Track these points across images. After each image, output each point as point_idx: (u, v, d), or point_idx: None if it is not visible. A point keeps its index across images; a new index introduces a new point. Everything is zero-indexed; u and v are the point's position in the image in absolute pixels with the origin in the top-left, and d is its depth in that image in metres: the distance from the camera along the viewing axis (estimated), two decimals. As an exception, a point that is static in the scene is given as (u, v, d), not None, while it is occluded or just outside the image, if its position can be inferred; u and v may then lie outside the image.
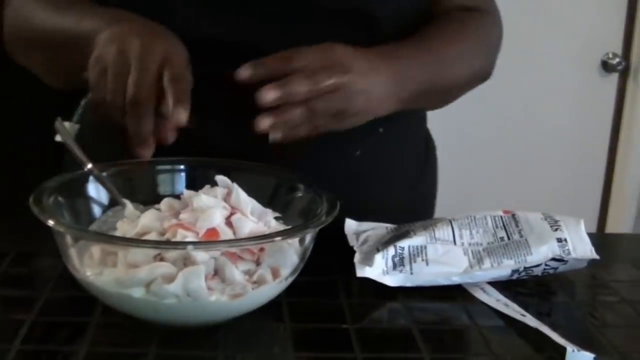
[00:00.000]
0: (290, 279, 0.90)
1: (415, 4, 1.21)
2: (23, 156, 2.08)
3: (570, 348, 0.85)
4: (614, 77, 2.50)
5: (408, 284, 0.99)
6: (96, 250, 0.88)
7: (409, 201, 1.29)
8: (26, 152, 2.08)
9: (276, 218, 0.96)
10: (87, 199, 0.97)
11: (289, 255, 0.89)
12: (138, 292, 0.83)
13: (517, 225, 1.06)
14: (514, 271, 1.01)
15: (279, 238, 0.86)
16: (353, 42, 1.06)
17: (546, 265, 1.02)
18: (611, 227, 2.53)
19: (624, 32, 2.48)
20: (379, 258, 1.00)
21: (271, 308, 0.90)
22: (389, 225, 1.09)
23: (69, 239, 0.87)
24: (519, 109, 2.46)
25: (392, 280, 0.99)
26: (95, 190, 0.97)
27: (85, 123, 1.05)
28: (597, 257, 1.04)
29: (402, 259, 1.00)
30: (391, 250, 1.01)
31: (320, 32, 1.10)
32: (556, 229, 1.04)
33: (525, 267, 1.01)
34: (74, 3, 1.11)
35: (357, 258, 1.02)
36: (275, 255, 0.88)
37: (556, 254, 1.02)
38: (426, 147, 1.37)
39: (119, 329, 0.88)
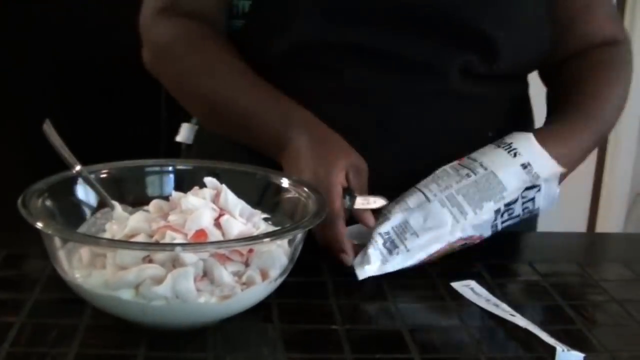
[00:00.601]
0: (280, 280, 0.90)
1: (534, 29, 1.19)
2: (10, 157, 2.07)
3: (560, 348, 0.85)
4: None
5: (409, 263, 1.00)
6: (85, 252, 0.88)
7: None
8: (14, 154, 2.08)
9: (265, 219, 0.95)
10: (76, 201, 0.97)
11: (278, 256, 0.89)
12: (127, 294, 0.83)
13: (475, 160, 1.07)
14: (496, 212, 1.03)
15: (267, 239, 0.86)
16: (467, 59, 1.12)
17: (522, 197, 1.04)
18: (601, 227, 2.53)
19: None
20: (371, 251, 1.01)
21: (260, 309, 0.90)
22: None
23: (57, 241, 0.87)
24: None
25: (392, 265, 1.00)
26: (84, 192, 0.97)
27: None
28: (563, 169, 1.07)
29: (392, 241, 1.01)
30: (379, 239, 1.01)
31: (435, 42, 1.13)
32: (514, 154, 1.06)
33: (505, 205, 1.03)
34: (234, 70, 1.15)
35: (355, 261, 1.02)
36: (264, 256, 0.88)
37: (526, 182, 1.04)
38: None
39: (108, 331, 0.88)
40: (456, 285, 1.01)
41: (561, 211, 1.10)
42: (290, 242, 0.90)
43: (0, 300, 0.94)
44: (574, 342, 0.88)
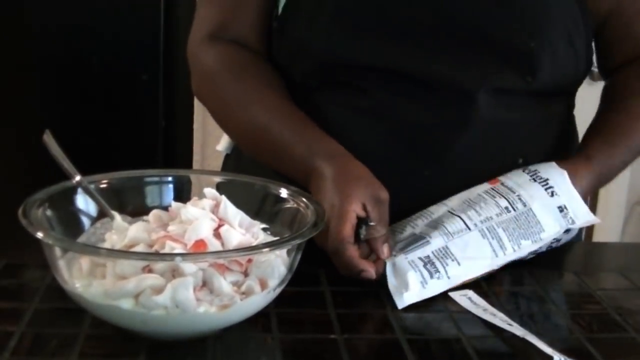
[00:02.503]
0: (278, 290, 0.90)
1: (567, 41, 1.17)
2: (11, 166, 2.08)
3: (557, 357, 0.86)
4: (601, 86, 2.50)
5: (446, 288, 1.01)
6: (85, 261, 0.89)
7: None
8: (14, 162, 2.08)
9: (264, 229, 0.96)
10: (76, 211, 0.97)
11: (277, 266, 0.89)
12: (127, 304, 0.83)
13: (513, 192, 1.08)
14: (531, 252, 1.05)
15: (266, 249, 0.86)
16: (500, 75, 1.13)
17: (554, 239, 1.06)
18: (598, 236, 2.54)
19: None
20: (411, 274, 1.00)
21: (259, 319, 0.91)
22: None
23: (57, 251, 0.87)
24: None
25: (432, 290, 1.00)
26: (84, 202, 0.97)
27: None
28: (597, 220, 1.09)
29: (433, 264, 1.01)
30: (419, 262, 1.01)
31: (463, 60, 1.12)
32: (551, 192, 1.07)
33: (540, 246, 1.05)
34: (271, 101, 1.17)
35: (391, 287, 1.01)
36: (263, 266, 0.88)
37: (563, 227, 1.06)
38: None
39: (108, 340, 0.88)
40: (454, 294, 1.01)
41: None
42: (289, 252, 0.90)
43: (0, 309, 0.94)
44: (571, 352, 0.88)
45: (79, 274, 0.88)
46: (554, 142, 1.23)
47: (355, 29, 1.13)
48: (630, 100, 1.23)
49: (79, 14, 2.11)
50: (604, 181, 1.19)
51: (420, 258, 1.01)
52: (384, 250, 1.02)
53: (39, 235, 0.83)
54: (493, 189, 1.08)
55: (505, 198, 1.07)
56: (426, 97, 1.13)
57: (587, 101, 2.52)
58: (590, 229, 2.57)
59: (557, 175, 1.10)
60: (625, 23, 1.23)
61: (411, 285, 0.99)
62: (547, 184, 1.08)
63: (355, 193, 1.02)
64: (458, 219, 1.05)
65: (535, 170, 1.11)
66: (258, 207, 0.99)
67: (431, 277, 1.00)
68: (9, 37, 2.11)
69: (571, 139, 1.31)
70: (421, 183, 1.15)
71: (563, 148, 1.25)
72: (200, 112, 2.32)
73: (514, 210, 1.05)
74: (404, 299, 0.99)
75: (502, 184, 1.09)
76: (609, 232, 2.55)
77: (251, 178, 1.02)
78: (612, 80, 1.28)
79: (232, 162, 1.34)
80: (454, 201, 1.10)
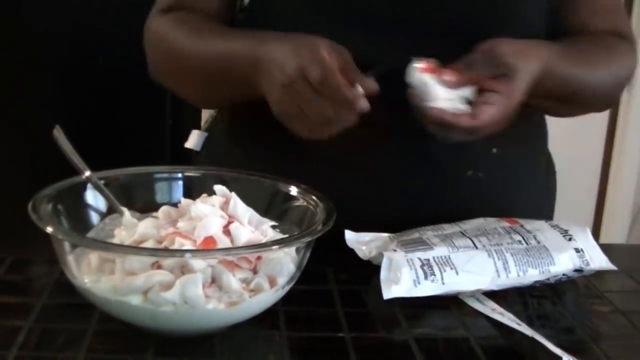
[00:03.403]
0: (287, 288, 0.90)
1: (534, 30, 1.16)
2: (19, 162, 2.08)
3: (566, 358, 0.86)
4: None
5: (438, 293, 0.99)
6: (94, 257, 0.89)
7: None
8: (22, 158, 2.08)
9: (273, 227, 0.96)
10: (85, 207, 0.98)
11: (286, 263, 0.89)
12: (135, 300, 0.84)
13: (529, 232, 1.07)
14: (536, 281, 1.03)
15: (275, 247, 0.86)
16: None
17: (563, 274, 1.05)
18: (605, 238, 2.53)
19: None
20: (405, 271, 0.99)
21: (267, 316, 0.91)
22: (390, 235, 1.09)
23: (66, 246, 0.87)
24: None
25: (422, 290, 0.99)
26: (93, 198, 0.98)
27: (215, 132, 1.24)
28: (614, 267, 1.08)
29: (430, 267, 1.00)
30: (417, 261, 1.00)
31: (443, 53, 1.08)
32: (569, 239, 1.07)
33: (547, 278, 1.04)
34: (214, 29, 1.15)
35: (382, 277, 1.00)
36: (272, 263, 0.89)
37: (577, 265, 1.05)
38: (546, 171, 1.36)
39: (116, 336, 0.88)
40: (462, 294, 1.01)
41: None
42: (298, 250, 0.90)
43: (8, 304, 0.94)
44: (578, 353, 0.88)
45: (88, 269, 0.89)
46: (525, 130, 1.22)
47: (332, 22, 1.11)
48: (600, 37, 1.22)
49: (87, 16, 2.11)
50: (553, 85, 1.12)
51: (419, 258, 1.01)
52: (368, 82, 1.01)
53: (49, 230, 0.84)
54: (511, 227, 1.08)
55: (520, 234, 1.07)
56: (404, 90, 1.10)
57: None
58: (596, 231, 2.57)
59: (577, 228, 1.10)
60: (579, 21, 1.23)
61: (403, 281, 0.98)
62: (567, 233, 1.08)
63: (321, 41, 1.00)
64: (468, 239, 1.05)
65: (557, 224, 1.11)
66: (267, 204, 0.99)
67: (425, 278, 0.99)
68: (19, 38, 2.11)
69: (542, 127, 1.32)
70: (399, 177, 1.14)
71: (534, 136, 1.27)
72: (207, 110, 2.32)
73: (527, 244, 1.05)
74: (392, 291, 0.98)
75: (521, 225, 1.09)
76: (615, 233, 2.54)
77: (261, 175, 1.02)
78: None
79: (202, 159, 1.32)
80: (468, 225, 1.10)
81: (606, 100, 1.26)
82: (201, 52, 1.13)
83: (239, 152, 1.20)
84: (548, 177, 1.36)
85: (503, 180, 1.21)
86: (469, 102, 1.03)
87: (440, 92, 1.02)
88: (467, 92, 1.03)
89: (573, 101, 1.19)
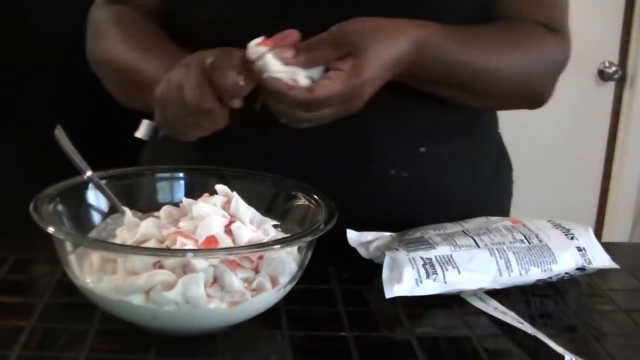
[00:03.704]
0: (289, 287, 0.90)
1: (467, 18, 1.11)
2: (20, 162, 2.08)
3: (568, 357, 0.85)
4: (611, 86, 2.50)
5: (440, 292, 0.99)
6: (96, 257, 0.89)
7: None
8: (23, 158, 2.08)
9: (275, 226, 0.96)
10: (87, 206, 0.98)
11: (288, 263, 0.89)
12: (137, 299, 0.84)
13: (531, 231, 1.07)
14: (538, 280, 1.03)
15: (277, 246, 0.86)
16: None
17: (565, 273, 1.05)
18: (607, 236, 2.53)
19: (620, 40, 2.48)
20: (407, 270, 0.99)
21: (269, 316, 0.90)
22: (392, 234, 1.09)
23: (68, 246, 0.87)
24: (514, 117, 2.46)
25: (425, 289, 0.98)
26: (95, 198, 0.98)
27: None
28: (616, 266, 1.07)
29: (433, 266, 1.00)
30: (419, 260, 1.00)
31: None
32: (572, 238, 1.07)
33: (549, 276, 1.04)
34: (142, 33, 1.14)
35: (385, 276, 1.00)
36: (274, 263, 0.89)
37: (579, 264, 1.04)
38: (496, 168, 1.32)
39: (118, 336, 0.88)
40: (465, 293, 1.01)
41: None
42: (299, 249, 0.90)
43: (10, 304, 0.94)
44: (581, 352, 0.88)
45: (90, 269, 0.89)
46: (457, 128, 1.19)
47: (250, 10, 1.09)
48: (521, 25, 1.16)
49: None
50: (441, 69, 1.06)
51: (421, 257, 1.01)
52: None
53: (50, 230, 0.84)
54: (513, 226, 1.08)
55: (522, 233, 1.07)
56: None
57: (592, 101, 2.53)
58: (599, 230, 2.57)
59: (580, 228, 1.10)
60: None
61: (405, 280, 0.98)
62: (569, 232, 1.08)
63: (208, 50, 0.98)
64: (470, 238, 1.05)
65: (559, 223, 1.11)
66: (269, 204, 0.99)
67: (427, 277, 0.99)
68: (20, 37, 2.11)
69: (480, 124, 1.27)
70: (337, 168, 1.12)
71: (470, 133, 1.23)
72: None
73: (528, 242, 1.05)
74: (394, 290, 0.98)
75: (524, 225, 1.09)
76: (618, 232, 2.54)
77: (263, 174, 1.02)
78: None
79: (149, 153, 1.30)
80: (470, 224, 1.10)
81: (521, 92, 1.18)
82: (123, 60, 1.12)
83: (188, 147, 1.08)
84: (499, 172, 1.32)
85: (432, 179, 1.18)
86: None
87: (278, 67, 0.97)
88: (315, 72, 0.98)
89: (474, 89, 1.11)
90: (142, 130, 1.26)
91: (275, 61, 0.96)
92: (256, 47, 0.96)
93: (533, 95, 1.18)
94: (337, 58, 0.97)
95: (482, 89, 1.12)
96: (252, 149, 1.13)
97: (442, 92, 1.11)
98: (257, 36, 0.97)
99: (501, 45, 1.11)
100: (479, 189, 1.26)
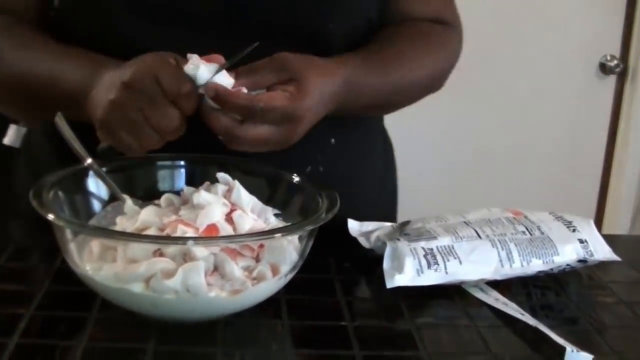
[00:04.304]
0: (290, 276, 0.90)
1: (366, 17, 1.15)
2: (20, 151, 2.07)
3: (569, 348, 0.85)
4: (612, 79, 2.50)
5: (441, 282, 0.99)
6: (95, 245, 0.89)
7: (374, 206, 1.26)
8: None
9: (276, 215, 0.96)
10: (87, 194, 0.97)
11: (289, 252, 0.89)
12: (137, 288, 0.83)
13: (533, 223, 1.07)
14: (540, 271, 1.03)
15: (278, 235, 0.86)
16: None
17: (567, 265, 1.04)
18: (608, 229, 2.53)
19: (622, 34, 2.48)
20: (409, 260, 0.99)
21: (270, 305, 0.90)
22: (393, 224, 1.09)
23: (68, 234, 0.87)
24: (516, 111, 2.46)
25: (426, 279, 0.98)
26: (95, 186, 0.97)
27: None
28: (618, 258, 1.07)
29: (434, 257, 1.00)
30: (420, 250, 1.00)
31: (270, 48, 1.01)
32: (573, 230, 1.07)
33: (551, 268, 1.04)
34: (40, 43, 1.09)
35: (385, 266, 1.00)
36: (275, 252, 0.88)
37: (580, 256, 1.04)
38: (384, 150, 1.34)
39: (118, 324, 0.88)
40: (466, 283, 1.01)
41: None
42: (300, 239, 0.90)
43: (10, 292, 0.94)
44: (581, 344, 0.87)
45: (90, 257, 0.88)
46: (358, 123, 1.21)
47: (151, 19, 1.06)
48: (418, 28, 1.20)
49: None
50: (369, 100, 1.10)
51: (423, 248, 1.01)
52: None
53: (50, 217, 0.83)
54: (515, 218, 1.08)
55: (524, 225, 1.07)
56: None
57: (593, 95, 2.53)
58: (599, 222, 2.57)
59: (581, 220, 1.10)
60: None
61: (406, 270, 0.98)
62: (570, 224, 1.08)
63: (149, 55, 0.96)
64: (472, 229, 1.05)
65: (561, 216, 1.11)
66: (270, 193, 0.99)
67: (429, 267, 0.99)
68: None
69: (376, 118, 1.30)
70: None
71: (367, 117, 1.24)
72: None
73: (530, 234, 1.05)
74: (395, 280, 0.98)
75: (526, 217, 1.09)
76: (618, 225, 2.54)
77: (264, 163, 1.02)
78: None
79: (22, 159, 1.24)
80: (472, 215, 1.10)
81: (429, 93, 1.22)
82: (25, 68, 1.07)
83: (60, 152, 1.00)
84: (386, 154, 1.34)
85: (343, 171, 1.18)
86: None
87: (217, 80, 0.95)
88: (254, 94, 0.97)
89: (391, 104, 1.18)
90: (10, 136, 1.19)
91: (222, 77, 0.95)
92: (194, 63, 0.94)
93: (433, 85, 1.23)
94: (280, 82, 0.97)
95: (399, 101, 1.19)
96: (166, 149, 1.03)
97: (364, 114, 1.17)
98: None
99: (412, 62, 1.16)
100: (375, 172, 1.29)
